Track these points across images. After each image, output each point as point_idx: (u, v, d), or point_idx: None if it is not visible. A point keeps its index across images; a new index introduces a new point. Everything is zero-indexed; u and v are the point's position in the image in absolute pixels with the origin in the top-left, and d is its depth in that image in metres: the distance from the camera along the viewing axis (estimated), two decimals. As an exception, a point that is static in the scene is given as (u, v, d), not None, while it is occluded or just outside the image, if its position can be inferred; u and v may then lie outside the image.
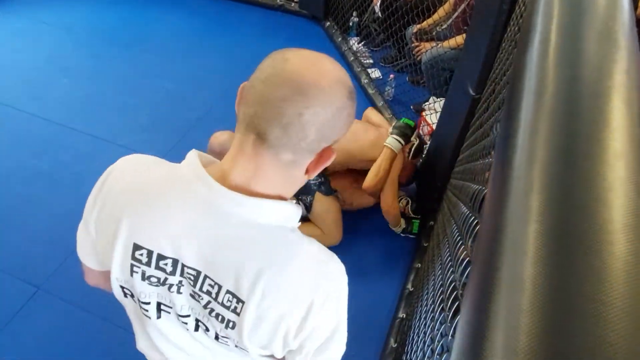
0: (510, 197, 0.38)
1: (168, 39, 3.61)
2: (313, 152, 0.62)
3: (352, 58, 3.35)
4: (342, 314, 0.68)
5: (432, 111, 2.64)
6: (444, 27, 2.85)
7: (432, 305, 1.36)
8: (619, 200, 0.34)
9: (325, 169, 2.06)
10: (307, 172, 0.65)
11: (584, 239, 0.32)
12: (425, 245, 2.11)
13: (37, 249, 2.06)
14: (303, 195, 1.97)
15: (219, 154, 2.04)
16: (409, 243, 2.24)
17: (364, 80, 3.14)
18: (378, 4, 3.30)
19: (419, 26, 2.96)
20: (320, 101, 0.58)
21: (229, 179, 0.63)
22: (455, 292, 1.09)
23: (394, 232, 2.25)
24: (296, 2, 3.89)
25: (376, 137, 2.13)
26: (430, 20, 2.92)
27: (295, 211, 0.66)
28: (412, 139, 2.13)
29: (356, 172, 2.23)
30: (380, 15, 3.32)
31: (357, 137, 2.10)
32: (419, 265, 2.02)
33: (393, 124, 2.16)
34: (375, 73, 3.27)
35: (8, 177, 2.39)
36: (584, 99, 0.42)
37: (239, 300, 0.63)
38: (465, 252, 1.29)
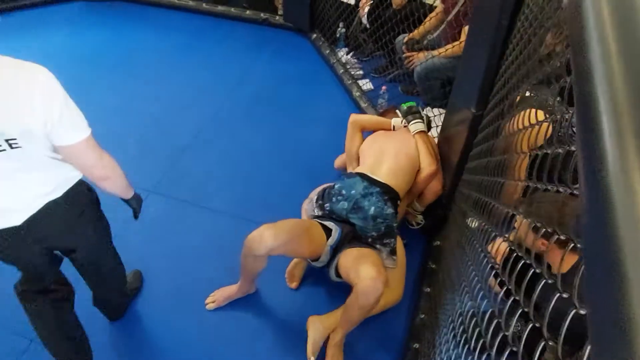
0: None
1: (151, 59, 3.50)
2: None
3: (342, 70, 3.26)
4: (53, 93, 1.17)
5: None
6: (434, 35, 2.79)
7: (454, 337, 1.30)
8: None
9: (397, 211, 1.90)
10: None
11: None
12: (432, 267, 2.05)
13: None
14: (387, 239, 1.84)
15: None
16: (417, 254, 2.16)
17: (356, 93, 3.06)
18: (365, 15, 3.23)
19: (410, 35, 2.89)
20: None
21: None
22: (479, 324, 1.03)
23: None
24: (280, 15, 3.81)
25: (414, 146, 2.08)
26: (421, 29, 2.86)
27: None
28: (423, 113, 2.18)
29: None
30: (367, 26, 3.25)
31: (413, 164, 2.03)
32: (428, 289, 1.95)
33: (402, 113, 2.18)
34: (367, 85, 3.19)
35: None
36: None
37: None
38: (496, 282, 1.22)
